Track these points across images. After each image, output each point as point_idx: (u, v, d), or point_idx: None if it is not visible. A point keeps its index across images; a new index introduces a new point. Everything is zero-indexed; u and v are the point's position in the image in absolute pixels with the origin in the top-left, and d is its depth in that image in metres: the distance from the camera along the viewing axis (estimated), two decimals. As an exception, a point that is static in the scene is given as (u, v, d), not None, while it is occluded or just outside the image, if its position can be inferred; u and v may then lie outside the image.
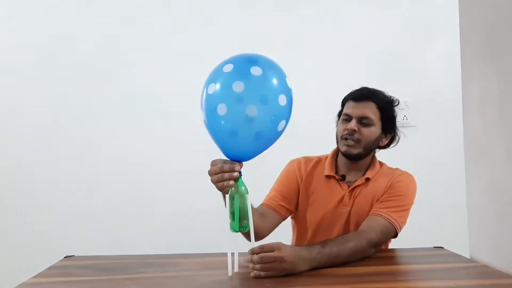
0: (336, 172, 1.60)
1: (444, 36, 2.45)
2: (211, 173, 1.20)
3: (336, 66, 2.43)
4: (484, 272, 1.25)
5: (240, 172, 1.18)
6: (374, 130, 1.53)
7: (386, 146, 1.62)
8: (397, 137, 1.63)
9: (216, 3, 2.45)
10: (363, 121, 1.52)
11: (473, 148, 1.56)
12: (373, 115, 1.52)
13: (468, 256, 1.45)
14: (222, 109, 1.12)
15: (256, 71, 1.13)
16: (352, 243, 1.31)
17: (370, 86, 2.37)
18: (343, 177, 1.59)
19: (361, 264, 1.30)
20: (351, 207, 1.54)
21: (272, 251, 1.16)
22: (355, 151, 1.52)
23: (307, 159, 1.66)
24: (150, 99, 2.42)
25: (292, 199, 1.60)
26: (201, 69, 1.24)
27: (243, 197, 1.18)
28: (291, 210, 1.60)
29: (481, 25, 1.49)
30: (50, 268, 1.31)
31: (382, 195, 1.52)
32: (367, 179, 1.56)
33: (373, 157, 1.63)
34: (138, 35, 2.44)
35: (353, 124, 1.51)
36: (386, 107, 1.56)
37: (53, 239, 2.31)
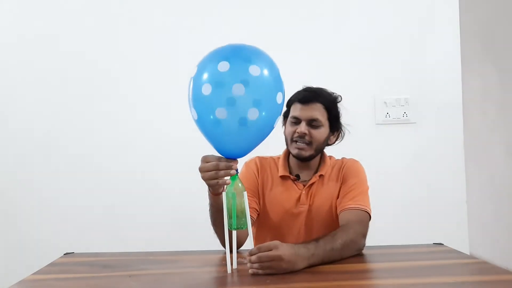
0: (290, 173, 1.61)
1: (444, 32, 2.44)
2: (203, 170, 1.19)
3: (335, 63, 2.42)
4: (483, 268, 1.25)
5: (236, 170, 1.18)
6: (323, 131, 1.55)
7: (333, 143, 1.63)
8: (342, 133, 1.64)
9: (215, 1, 2.45)
10: (312, 124, 1.53)
11: (473, 145, 1.56)
12: (321, 116, 1.54)
13: (467, 253, 1.45)
14: (221, 113, 1.10)
15: (254, 70, 1.11)
16: (340, 236, 1.31)
17: (371, 83, 2.42)
18: (297, 177, 1.60)
19: (360, 261, 1.31)
20: (310, 205, 1.56)
21: (269, 250, 1.15)
22: (306, 153, 1.54)
23: (261, 159, 1.66)
24: (149, 99, 2.41)
25: (258, 201, 1.60)
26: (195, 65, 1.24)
27: (240, 195, 1.18)
28: (259, 212, 1.59)
29: (482, 21, 1.48)
30: (50, 265, 1.32)
31: (339, 189, 1.55)
32: (321, 176, 1.58)
33: (323, 153, 1.64)
34: (136, 35, 2.43)
35: (303, 128, 1.52)
36: (332, 106, 1.57)
37: (53, 236, 2.32)
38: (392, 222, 2.27)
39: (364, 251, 1.40)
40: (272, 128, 1.20)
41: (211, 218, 1.36)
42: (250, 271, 1.16)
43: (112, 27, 2.44)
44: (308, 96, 1.55)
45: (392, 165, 2.40)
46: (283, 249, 1.16)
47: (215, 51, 1.17)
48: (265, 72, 1.13)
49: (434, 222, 2.36)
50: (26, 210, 2.37)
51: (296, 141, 1.54)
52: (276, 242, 1.18)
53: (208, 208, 1.35)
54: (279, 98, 1.16)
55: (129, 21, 2.44)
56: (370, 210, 1.50)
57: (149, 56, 2.43)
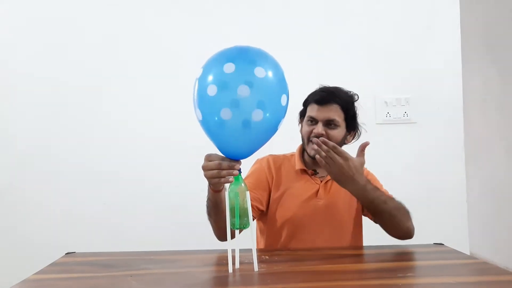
0: (306, 167, 1.63)
1: (445, 32, 2.44)
2: (206, 169, 1.20)
3: (336, 62, 2.42)
4: (484, 268, 1.25)
5: (239, 169, 1.18)
6: (340, 131, 1.56)
7: (350, 142, 1.65)
8: (359, 132, 1.65)
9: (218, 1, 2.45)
10: (329, 124, 1.54)
11: (473, 145, 1.56)
12: (338, 117, 1.55)
13: (468, 253, 1.45)
14: (226, 114, 1.10)
15: (260, 72, 1.12)
16: (397, 201, 1.44)
17: (371, 83, 2.41)
18: (315, 172, 1.61)
19: (360, 261, 1.31)
20: (328, 200, 1.57)
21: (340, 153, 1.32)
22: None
23: (274, 157, 1.67)
24: (150, 97, 2.41)
25: (263, 199, 1.59)
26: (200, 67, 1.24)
27: (243, 194, 1.18)
28: (262, 210, 1.59)
29: (482, 22, 1.49)
30: (51, 264, 1.32)
31: None
32: None
33: None
34: (137, 36, 2.43)
35: (320, 129, 1.53)
36: (348, 106, 1.58)
37: (54, 236, 2.32)
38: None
39: (364, 251, 1.40)
40: (276, 130, 1.20)
41: (207, 209, 1.39)
42: (316, 156, 1.34)
43: (112, 29, 2.43)
44: (325, 96, 1.56)
45: (392, 165, 2.40)
46: (348, 162, 1.32)
47: (220, 52, 1.17)
48: (270, 74, 1.13)
49: (434, 222, 2.36)
50: (28, 210, 2.37)
51: (312, 142, 1.54)
52: (345, 154, 1.34)
53: (206, 200, 1.37)
54: (283, 100, 1.17)
55: (130, 22, 2.44)
56: None
57: (150, 57, 2.43)
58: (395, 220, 1.43)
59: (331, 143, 1.34)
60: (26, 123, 2.40)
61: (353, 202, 1.59)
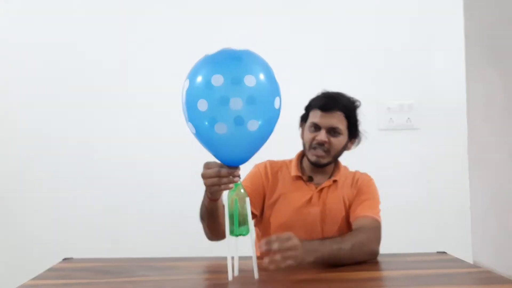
0: (302, 174, 1.61)
1: (448, 38, 2.43)
2: (205, 177, 1.19)
3: (339, 68, 2.42)
4: (487, 277, 1.23)
5: (239, 176, 1.17)
6: (342, 139, 1.55)
7: (351, 149, 1.63)
8: (359, 139, 1.63)
9: (217, 4, 2.45)
10: (332, 132, 1.53)
11: (477, 152, 1.55)
12: (341, 125, 1.53)
13: (471, 261, 1.44)
14: (219, 127, 1.09)
15: (250, 81, 1.09)
16: (351, 238, 1.33)
17: (374, 88, 2.41)
18: (310, 179, 1.60)
19: (363, 269, 1.29)
20: (321, 207, 1.55)
21: (288, 240, 1.14)
22: (324, 161, 1.55)
23: (272, 163, 1.66)
24: (151, 101, 2.41)
25: (258, 203, 1.58)
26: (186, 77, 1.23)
27: (243, 201, 1.17)
28: (256, 215, 1.58)
29: (486, 28, 1.48)
30: (48, 270, 1.31)
31: (353, 197, 1.56)
32: (335, 181, 1.59)
33: (337, 160, 1.64)
34: (139, 35, 2.43)
35: (323, 136, 1.51)
36: (352, 114, 1.57)
37: (51, 242, 2.30)
38: (395, 229, 2.24)
39: (367, 259, 1.38)
40: (271, 132, 1.19)
41: (200, 212, 1.38)
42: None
43: (114, 28, 2.43)
44: (329, 103, 1.54)
45: (395, 171, 2.38)
46: (297, 239, 1.16)
47: (205, 60, 1.14)
48: (261, 79, 1.11)
49: (437, 230, 2.34)
50: (25, 215, 2.36)
51: (314, 148, 1.53)
52: (289, 232, 1.17)
53: (200, 204, 1.36)
54: (276, 103, 1.15)
55: (131, 21, 2.44)
56: (381, 221, 1.50)
57: (152, 57, 2.42)
58: (357, 258, 1.33)
59: (272, 240, 1.13)
60: (25, 125, 2.39)
61: (347, 210, 1.57)
